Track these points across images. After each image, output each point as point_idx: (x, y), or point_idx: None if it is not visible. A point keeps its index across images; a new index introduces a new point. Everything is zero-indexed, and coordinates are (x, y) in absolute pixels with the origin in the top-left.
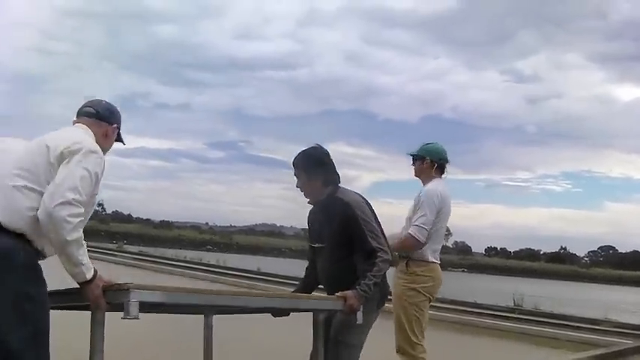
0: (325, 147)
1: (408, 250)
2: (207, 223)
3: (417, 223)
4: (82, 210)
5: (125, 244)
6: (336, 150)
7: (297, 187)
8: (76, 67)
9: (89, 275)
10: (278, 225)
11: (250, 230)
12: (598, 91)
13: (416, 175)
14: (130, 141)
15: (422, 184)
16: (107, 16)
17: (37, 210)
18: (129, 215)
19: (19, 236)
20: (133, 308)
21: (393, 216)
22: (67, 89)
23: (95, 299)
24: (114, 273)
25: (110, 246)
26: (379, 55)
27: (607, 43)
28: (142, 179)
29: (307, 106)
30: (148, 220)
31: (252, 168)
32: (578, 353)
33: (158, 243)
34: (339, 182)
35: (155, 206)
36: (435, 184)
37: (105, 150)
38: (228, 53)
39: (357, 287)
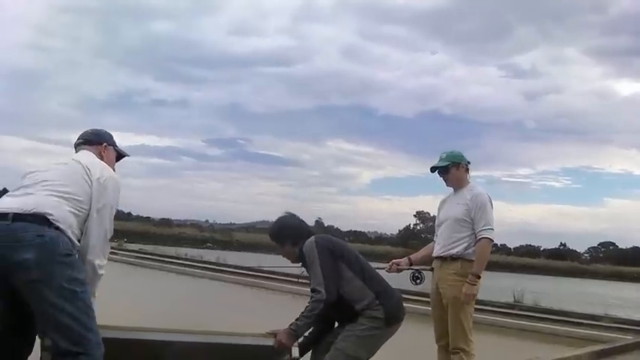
0: (325, 144)
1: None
2: (207, 221)
3: (489, 226)
4: (105, 261)
5: (125, 242)
6: (336, 147)
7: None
8: (73, 63)
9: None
10: None
11: (250, 227)
12: (597, 86)
13: (452, 184)
14: (130, 139)
15: (457, 189)
16: (101, 12)
17: (73, 210)
18: (129, 213)
19: (59, 229)
20: None
21: (392, 212)
22: (64, 86)
23: None
24: (113, 272)
25: (111, 244)
26: (376, 50)
27: (605, 38)
28: (141, 177)
29: (305, 102)
30: (148, 217)
31: (252, 165)
32: (579, 349)
33: (158, 241)
34: (310, 236)
35: (155, 204)
36: (479, 187)
37: None
38: (224, 49)
39: (289, 325)
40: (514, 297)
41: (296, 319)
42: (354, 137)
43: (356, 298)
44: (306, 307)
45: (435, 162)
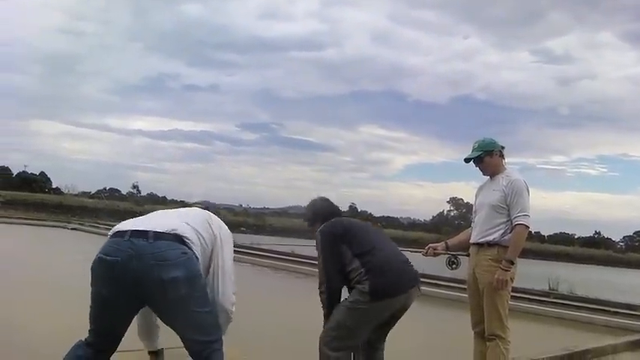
0: (358, 129)
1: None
2: (241, 205)
3: (524, 213)
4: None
5: None
6: (369, 132)
7: None
8: (105, 47)
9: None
10: None
11: (283, 212)
12: (632, 71)
13: (488, 172)
14: (164, 123)
15: (493, 176)
16: None
17: (202, 243)
18: (164, 197)
19: (186, 243)
20: None
21: (425, 198)
22: (98, 70)
23: None
24: None
25: None
26: (407, 35)
27: None
28: (176, 161)
29: (337, 87)
30: (182, 201)
31: (285, 150)
32: (616, 338)
33: None
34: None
35: (189, 188)
36: (515, 173)
37: None
38: (254, 33)
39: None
40: (549, 285)
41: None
42: (387, 123)
43: (353, 275)
44: None
45: (468, 150)
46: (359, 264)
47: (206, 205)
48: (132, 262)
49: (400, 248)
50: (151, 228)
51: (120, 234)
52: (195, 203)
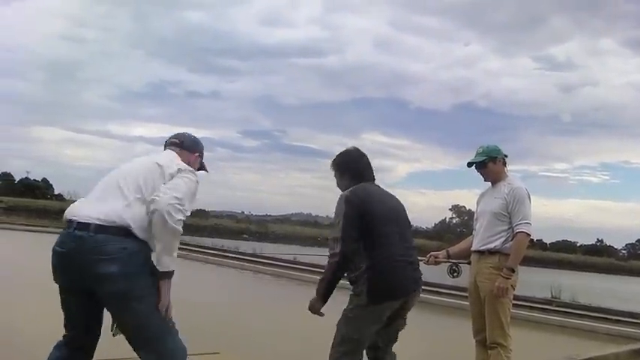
0: (360, 136)
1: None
2: (243, 212)
3: (526, 220)
4: (184, 210)
5: None
6: (372, 140)
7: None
8: (106, 54)
9: (173, 267)
10: (313, 214)
11: (286, 219)
12: (634, 78)
13: (490, 179)
14: (166, 130)
15: (495, 183)
16: (134, 2)
17: (145, 214)
18: None
19: (137, 239)
20: None
21: (428, 206)
22: (100, 77)
23: (166, 295)
24: None
25: None
26: (409, 42)
27: None
28: None
29: (338, 94)
30: None
31: (287, 157)
32: (618, 347)
33: (195, 231)
34: (368, 180)
35: None
36: (517, 181)
37: None
38: (256, 40)
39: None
40: (551, 293)
41: (320, 280)
42: (389, 130)
43: (356, 266)
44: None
45: (471, 156)
46: (363, 254)
47: (181, 140)
48: (74, 255)
49: None
50: (95, 217)
51: (69, 224)
52: (171, 138)
